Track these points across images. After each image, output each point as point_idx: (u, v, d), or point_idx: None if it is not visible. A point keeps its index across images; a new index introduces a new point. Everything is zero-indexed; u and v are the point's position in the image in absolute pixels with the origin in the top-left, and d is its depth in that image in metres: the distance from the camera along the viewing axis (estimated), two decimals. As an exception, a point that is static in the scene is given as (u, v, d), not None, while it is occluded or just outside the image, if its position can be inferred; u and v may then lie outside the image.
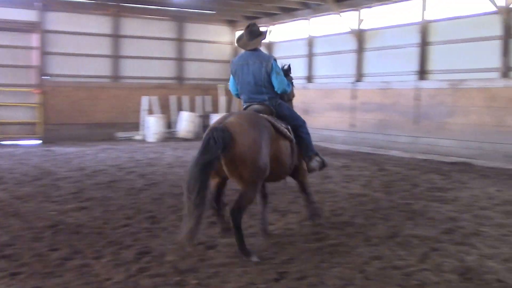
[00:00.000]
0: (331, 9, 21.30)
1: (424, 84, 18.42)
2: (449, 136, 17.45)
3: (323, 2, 21.46)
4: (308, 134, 8.29)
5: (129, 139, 24.19)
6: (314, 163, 8.27)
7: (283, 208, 10.06)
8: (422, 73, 18.79)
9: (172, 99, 25.91)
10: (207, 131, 7.08)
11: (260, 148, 7.04)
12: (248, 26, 8.18)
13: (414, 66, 19.05)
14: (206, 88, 27.15)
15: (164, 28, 26.51)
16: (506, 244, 7.85)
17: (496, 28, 16.57)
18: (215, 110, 26.13)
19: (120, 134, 24.54)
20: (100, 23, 24.80)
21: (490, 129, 16.36)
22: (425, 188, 12.37)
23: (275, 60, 8.12)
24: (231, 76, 8.41)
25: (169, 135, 24.83)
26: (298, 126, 8.21)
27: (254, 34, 8.13)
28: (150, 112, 24.79)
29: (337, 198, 11.08)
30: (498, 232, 8.53)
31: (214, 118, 24.29)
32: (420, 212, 9.89)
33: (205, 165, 6.71)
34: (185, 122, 24.62)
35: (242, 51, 8.35)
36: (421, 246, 7.63)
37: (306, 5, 23.13)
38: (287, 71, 8.85)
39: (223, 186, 7.66)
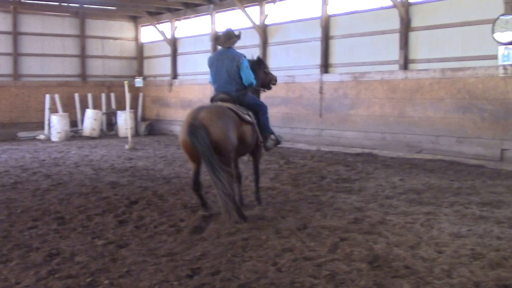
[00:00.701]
0: (235, 4, 21.34)
1: (328, 77, 18.75)
2: (353, 128, 17.85)
3: (226, -3, 21.52)
4: (266, 117, 9.90)
5: (32, 139, 23.59)
6: (269, 142, 9.95)
7: (193, 204, 10.03)
8: (326, 66, 19.08)
9: (76, 97, 25.42)
10: (185, 127, 8.62)
11: (228, 133, 8.71)
12: (225, 30, 9.99)
13: (318, 59, 19.32)
14: (110, 85, 26.78)
15: (65, 25, 26.01)
16: (411, 232, 8.08)
17: (394, 21, 17.01)
18: (120, 107, 25.80)
19: (22, 134, 23.90)
20: (-2, 20, 24.07)
21: (391, 120, 16.83)
22: (332, 180, 12.62)
23: (245, 57, 9.69)
24: (210, 70, 9.85)
25: (74, 134, 24.35)
26: (258, 111, 9.78)
27: (230, 36, 9.83)
28: (54, 110, 24.23)
29: (247, 192, 11.11)
30: (403, 220, 8.78)
31: (121, 116, 24.10)
32: (328, 203, 10.07)
33: (208, 158, 8.38)
34: (90, 120, 24.22)
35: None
36: (330, 237, 7.75)
37: (209, 1, 23.13)
38: (258, 62, 10.62)
39: (199, 169, 9.08)
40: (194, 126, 8.46)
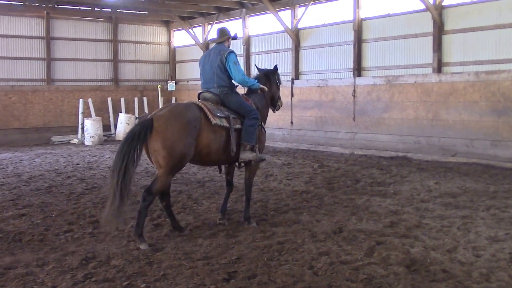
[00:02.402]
0: (267, 8, 21.35)
1: (361, 80, 18.66)
2: (387, 131, 17.75)
3: (258, 1, 21.49)
4: (250, 125, 8.77)
5: (66, 143, 23.79)
6: (245, 153, 8.74)
7: (229, 207, 10.02)
8: (358, 70, 19.00)
9: (109, 101, 25.61)
10: (139, 122, 7.98)
11: (177, 138, 7.81)
12: (220, 27, 9.40)
13: (350, 63, 19.26)
14: (143, 89, 26.95)
15: (98, 30, 26.22)
16: (448, 235, 8.01)
17: (427, 25, 16.90)
18: (153, 111, 25.89)
19: (56, 138, 24.11)
20: (32, 25, 24.35)
21: (425, 123, 16.70)
22: (367, 183, 12.56)
23: (233, 52, 8.95)
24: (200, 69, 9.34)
25: (107, 138, 24.52)
26: (245, 116, 8.81)
27: (223, 33, 9.21)
28: (87, 115, 24.43)
29: (281, 196, 11.12)
30: (440, 224, 8.71)
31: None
32: (363, 207, 10.02)
33: (126, 153, 7.64)
34: (123, 124, 24.33)
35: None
36: (366, 240, 7.71)
37: (241, 5, 23.16)
38: (274, 72, 9.89)
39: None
40: (141, 123, 7.90)
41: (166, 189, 8.42)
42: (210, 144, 8.26)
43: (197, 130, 8.05)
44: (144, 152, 8.12)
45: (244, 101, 9.06)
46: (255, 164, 9.10)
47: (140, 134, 7.71)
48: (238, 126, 8.68)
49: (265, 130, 9.53)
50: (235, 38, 9.46)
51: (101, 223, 8.02)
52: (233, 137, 8.55)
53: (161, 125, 7.83)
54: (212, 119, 8.27)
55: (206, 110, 8.31)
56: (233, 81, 8.99)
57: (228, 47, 9.25)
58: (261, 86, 9.46)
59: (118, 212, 7.50)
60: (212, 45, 9.49)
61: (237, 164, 9.08)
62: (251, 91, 9.47)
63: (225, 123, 8.46)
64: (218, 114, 8.44)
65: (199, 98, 9.00)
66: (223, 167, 9.34)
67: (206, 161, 8.55)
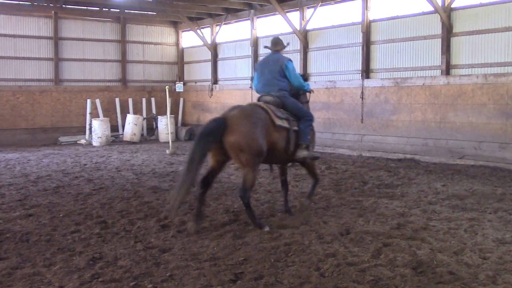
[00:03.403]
0: (275, 9, 21.35)
1: (369, 82, 18.65)
2: (395, 133, 17.73)
3: (267, 2, 21.49)
4: (306, 126, 9.60)
5: (74, 144, 23.87)
6: (301, 152, 9.48)
7: (236, 209, 10.05)
8: (367, 71, 18.97)
9: (117, 102, 25.67)
10: (211, 120, 8.70)
11: (253, 136, 8.52)
12: (274, 36, 10.47)
13: (359, 65, 19.24)
14: (151, 90, 27.01)
15: (106, 30, 26.28)
16: (455, 238, 8.01)
17: (436, 27, 16.88)
18: (161, 112, 25.99)
19: (64, 139, 24.18)
20: (39, 25, 24.45)
21: (433, 125, 16.68)
22: (374, 185, 12.56)
23: (290, 60, 9.89)
24: (255, 73, 10.28)
25: (115, 139, 24.58)
26: (300, 118, 9.59)
27: (277, 42, 10.10)
28: (95, 115, 24.49)
29: (289, 197, 11.09)
30: (447, 226, 8.71)
31: (161, 121, 24.29)
32: (370, 209, 10.01)
33: (201, 147, 8.40)
34: (131, 125, 24.40)
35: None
36: (373, 242, 7.70)
37: (250, 6, 23.17)
38: (303, 75, 10.85)
39: (217, 171, 9.10)
40: (214, 120, 8.65)
41: (213, 179, 9.13)
42: (275, 143, 8.98)
43: (265, 130, 8.76)
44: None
45: (299, 104, 9.88)
46: (311, 161, 9.88)
47: (214, 131, 8.46)
48: (295, 127, 9.40)
49: (314, 130, 10.23)
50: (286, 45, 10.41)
51: (166, 209, 9.22)
52: (293, 137, 9.32)
53: (236, 124, 8.52)
54: (275, 120, 9.02)
55: (270, 112, 9.05)
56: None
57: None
58: (311, 88, 10.52)
59: (183, 200, 8.56)
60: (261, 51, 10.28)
61: (289, 164, 10.11)
62: (298, 94, 10.18)
63: (286, 124, 9.22)
64: (280, 116, 9.18)
65: (259, 101, 9.70)
66: (275, 168, 10.18)
67: (270, 159, 9.17)
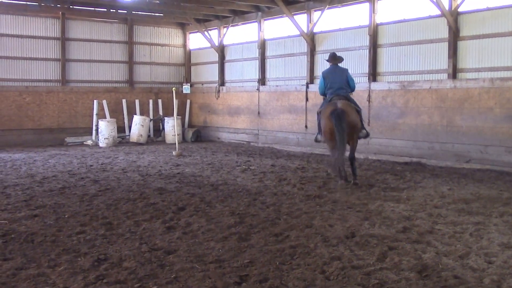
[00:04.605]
0: (283, 12, 21.36)
1: (376, 85, 18.63)
2: (401, 136, 17.72)
3: (274, 5, 21.50)
4: (360, 112, 13.65)
5: (80, 144, 23.92)
6: (362, 132, 13.66)
7: (241, 211, 10.05)
8: (374, 74, 18.96)
9: (124, 103, 25.71)
10: (331, 111, 12.68)
11: (356, 117, 13.11)
12: (332, 53, 14.44)
13: (366, 68, 19.23)
14: (158, 91, 27.04)
15: (113, 31, 26.31)
16: (460, 241, 7.98)
17: (442, 30, 16.87)
18: (168, 113, 26.02)
19: (70, 139, 24.23)
20: (47, 26, 24.49)
21: (440, 129, 16.65)
22: (380, 188, 12.53)
23: (347, 70, 14.00)
24: (322, 80, 14.09)
25: (121, 140, 24.62)
26: (356, 108, 13.53)
27: (335, 56, 14.11)
28: (101, 116, 24.53)
29: (295, 200, 11.12)
30: (452, 230, 8.67)
31: (168, 122, 24.30)
32: (376, 212, 9.98)
33: (343, 126, 12.46)
34: (137, 126, 24.43)
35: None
36: (379, 246, 7.69)
37: (257, 8, 23.19)
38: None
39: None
40: (337, 112, 12.53)
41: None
42: (357, 120, 13.23)
43: (355, 112, 13.31)
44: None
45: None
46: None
47: (342, 117, 12.50)
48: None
49: None
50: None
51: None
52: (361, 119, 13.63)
53: (349, 113, 12.83)
54: (357, 108, 13.50)
55: (353, 103, 13.52)
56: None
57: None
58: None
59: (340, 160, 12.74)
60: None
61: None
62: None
63: (360, 108, 13.78)
64: (357, 105, 13.72)
65: (332, 100, 13.34)
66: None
67: (352, 134, 13.06)
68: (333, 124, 12.40)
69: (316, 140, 14.32)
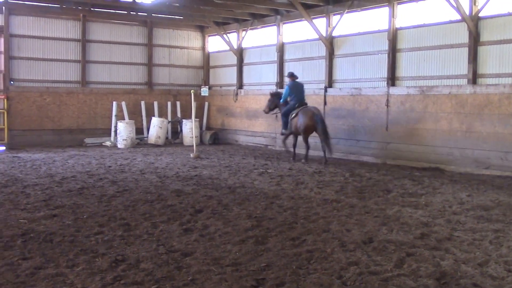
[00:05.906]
0: (302, 15, 21.33)
1: (394, 90, 18.54)
2: (420, 142, 17.62)
3: (293, 9, 21.49)
4: None
5: (99, 145, 24.03)
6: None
7: (258, 214, 10.04)
8: (392, 79, 18.87)
9: (142, 105, 25.80)
10: (313, 114, 17.80)
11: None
12: (291, 72, 19.65)
13: (384, 72, 19.14)
14: (177, 93, 27.10)
15: (133, 34, 26.42)
16: (479, 249, 7.91)
17: (462, 35, 16.76)
18: (186, 115, 26.06)
19: (89, 140, 24.36)
20: (68, 28, 24.64)
21: (459, 135, 16.54)
22: (398, 194, 12.45)
23: (303, 85, 19.01)
24: (288, 90, 19.01)
25: (139, 141, 24.69)
26: None
27: (295, 76, 19.31)
28: (120, 117, 24.62)
29: (312, 204, 11.09)
30: (471, 237, 8.60)
31: (186, 124, 24.34)
32: (394, 218, 9.93)
33: (324, 124, 17.78)
34: (156, 128, 24.48)
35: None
36: (396, 252, 7.65)
37: (276, 12, 23.19)
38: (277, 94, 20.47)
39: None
40: (318, 116, 17.76)
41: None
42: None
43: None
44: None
45: None
46: None
47: (322, 118, 17.89)
48: None
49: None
50: None
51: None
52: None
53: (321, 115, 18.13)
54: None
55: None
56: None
57: None
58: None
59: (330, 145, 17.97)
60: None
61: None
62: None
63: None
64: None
65: (301, 105, 18.76)
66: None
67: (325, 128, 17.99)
68: (314, 123, 17.69)
69: (282, 134, 19.62)
